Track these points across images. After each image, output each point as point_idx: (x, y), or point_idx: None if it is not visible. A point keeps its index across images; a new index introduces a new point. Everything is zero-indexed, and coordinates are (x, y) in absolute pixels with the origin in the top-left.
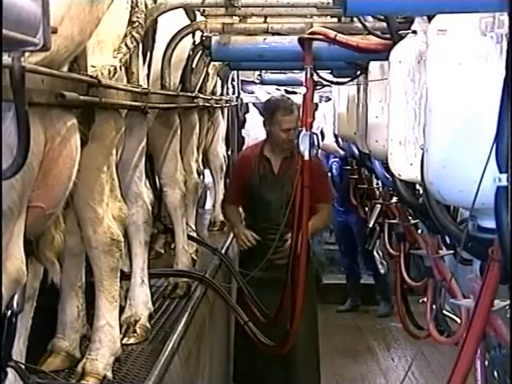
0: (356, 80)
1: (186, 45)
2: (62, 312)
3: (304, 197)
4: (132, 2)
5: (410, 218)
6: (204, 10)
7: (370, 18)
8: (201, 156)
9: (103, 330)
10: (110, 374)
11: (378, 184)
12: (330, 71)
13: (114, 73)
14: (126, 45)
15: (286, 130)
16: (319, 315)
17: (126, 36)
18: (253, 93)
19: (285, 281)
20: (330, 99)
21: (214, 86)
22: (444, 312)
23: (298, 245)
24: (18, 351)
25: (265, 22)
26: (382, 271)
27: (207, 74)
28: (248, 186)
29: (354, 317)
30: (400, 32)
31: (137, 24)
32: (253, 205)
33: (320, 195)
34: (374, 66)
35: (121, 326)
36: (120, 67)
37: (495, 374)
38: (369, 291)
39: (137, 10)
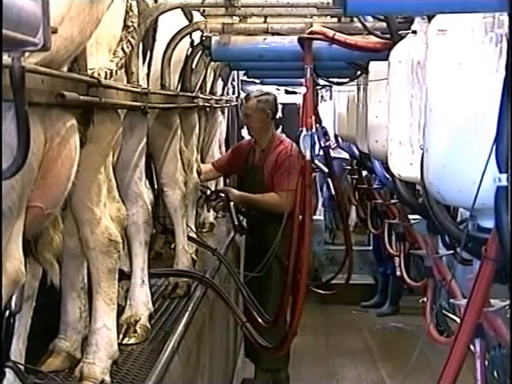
0: (356, 80)
1: (184, 45)
2: (64, 313)
3: (306, 196)
4: (126, 7)
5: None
6: (204, 10)
7: (370, 18)
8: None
9: (100, 333)
10: (107, 378)
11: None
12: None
13: (110, 76)
14: (122, 49)
15: (244, 116)
16: (319, 315)
17: (121, 40)
18: None
19: (284, 282)
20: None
21: (212, 87)
22: (444, 312)
23: (299, 245)
24: (18, 351)
25: (265, 21)
26: (398, 273)
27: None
28: (238, 168)
29: (353, 316)
30: (400, 32)
31: (132, 29)
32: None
33: (278, 184)
34: (374, 66)
35: (121, 326)
36: (116, 71)
37: (495, 373)
38: (369, 291)
39: (131, 14)
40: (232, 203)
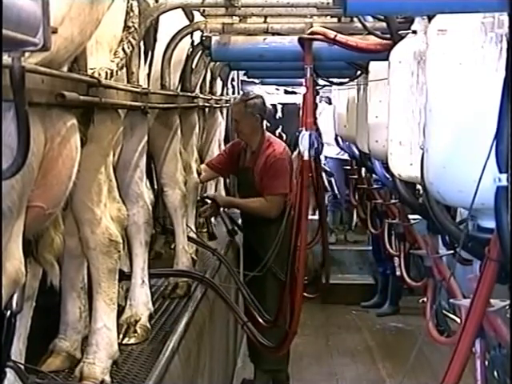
0: (356, 80)
1: (184, 45)
2: (64, 313)
3: (303, 197)
4: (127, 7)
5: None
6: (204, 10)
7: (370, 18)
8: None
9: (100, 333)
10: (107, 378)
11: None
12: None
13: (111, 76)
14: (123, 49)
15: (233, 121)
16: (319, 315)
17: (122, 41)
18: None
19: (283, 281)
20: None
21: (211, 86)
22: (444, 312)
23: (296, 246)
24: (18, 351)
25: (265, 21)
26: (398, 273)
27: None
28: (232, 168)
29: (353, 316)
30: (400, 32)
31: (132, 29)
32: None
33: (266, 188)
34: (374, 66)
35: (121, 326)
36: (117, 71)
37: (495, 373)
38: (369, 291)
39: (132, 14)
40: (222, 208)
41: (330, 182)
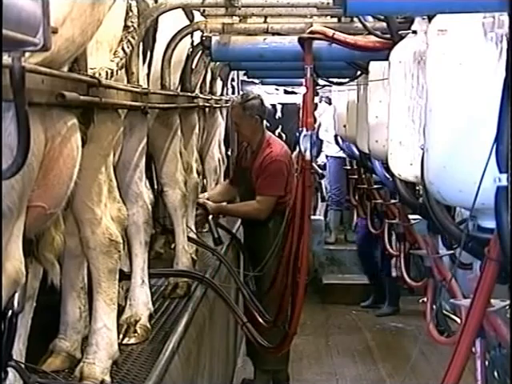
0: (356, 80)
1: (184, 45)
2: (64, 313)
3: (305, 197)
4: (126, 7)
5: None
6: (204, 10)
7: (370, 18)
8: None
9: (100, 333)
10: (107, 378)
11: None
12: None
13: (111, 76)
14: (122, 49)
15: (233, 123)
16: (319, 315)
17: (121, 40)
18: None
19: (284, 282)
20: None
21: (211, 86)
22: (444, 312)
23: (298, 248)
24: (18, 351)
25: (265, 22)
26: (394, 274)
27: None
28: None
29: (353, 316)
30: (400, 32)
31: (132, 29)
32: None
33: (258, 188)
34: (374, 66)
35: (121, 326)
36: (117, 71)
37: (495, 373)
38: (369, 291)
39: (130, 14)
40: (210, 216)
41: (320, 184)
